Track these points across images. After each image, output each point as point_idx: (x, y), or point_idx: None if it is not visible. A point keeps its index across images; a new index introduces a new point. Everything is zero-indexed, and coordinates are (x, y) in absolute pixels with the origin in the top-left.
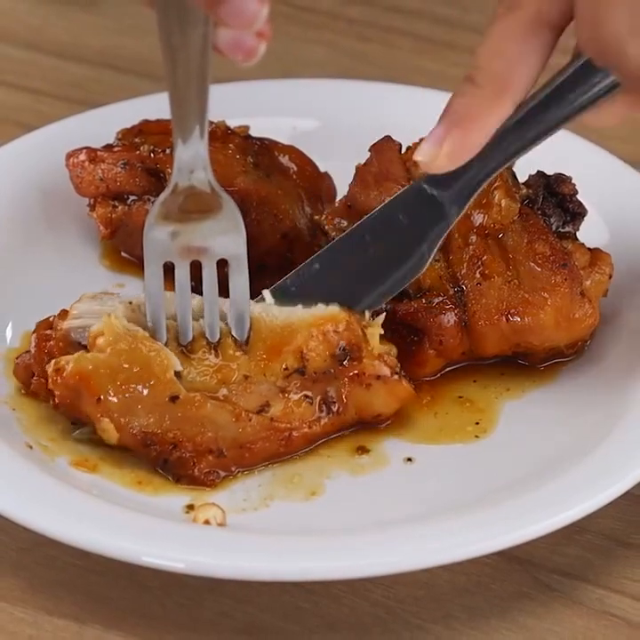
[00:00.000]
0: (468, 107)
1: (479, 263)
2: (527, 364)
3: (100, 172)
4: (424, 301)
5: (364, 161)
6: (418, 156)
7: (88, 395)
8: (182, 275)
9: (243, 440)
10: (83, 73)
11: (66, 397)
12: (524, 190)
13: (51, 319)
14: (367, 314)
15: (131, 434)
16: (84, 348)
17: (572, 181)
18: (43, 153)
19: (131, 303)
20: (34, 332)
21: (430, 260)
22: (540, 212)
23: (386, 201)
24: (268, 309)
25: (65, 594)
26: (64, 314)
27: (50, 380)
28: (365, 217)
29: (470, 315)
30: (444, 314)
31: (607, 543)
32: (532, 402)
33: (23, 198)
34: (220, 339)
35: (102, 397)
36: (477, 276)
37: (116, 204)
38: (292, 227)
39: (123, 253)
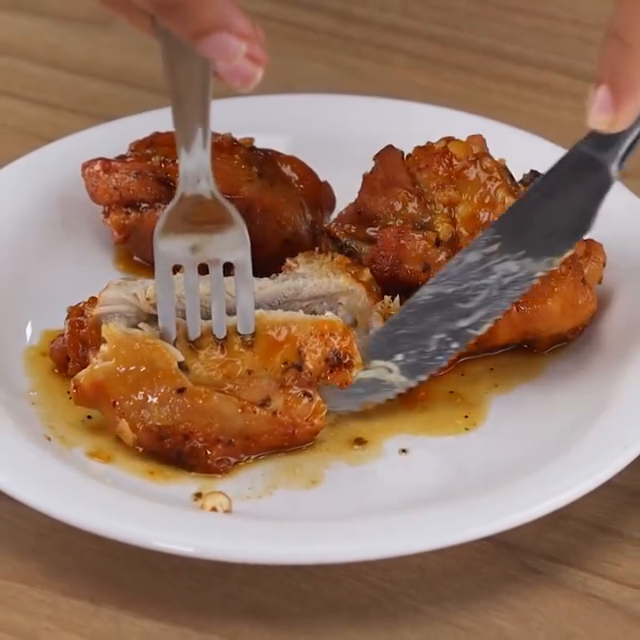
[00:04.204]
0: (632, 73)
1: None
2: (534, 349)
3: (114, 181)
4: None
5: (363, 170)
6: (597, 125)
7: (104, 401)
8: (191, 277)
9: (249, 432)
10: (98, 88)
11: (89, 406)
12: (522, 188)
13: (81, 306)
14: (387, 298)
15: (145, 429)
16: None
17: None
18: (60, 163)
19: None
20: (67, 317)
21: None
22: None
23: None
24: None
25: (81, 576)
26: (93, 301)
27: (72, 396)
28: (535, 181)
29: None
30: None
31: (590, 529)
32: (519, 396)
33: (42, 205)
34: (226, 335)
35: (117, 401)
36: None
37: (129, 211)
38: (294, 233)
39: (135, 257)
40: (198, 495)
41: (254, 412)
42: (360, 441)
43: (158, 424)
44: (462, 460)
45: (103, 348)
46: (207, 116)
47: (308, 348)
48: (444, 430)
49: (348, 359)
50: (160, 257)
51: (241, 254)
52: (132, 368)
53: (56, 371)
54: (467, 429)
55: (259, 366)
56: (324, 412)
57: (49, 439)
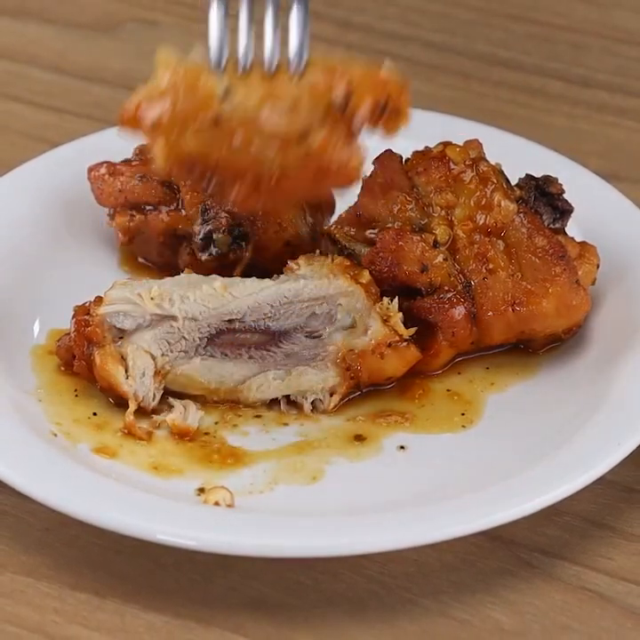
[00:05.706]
0: None
1: (484, 259)
2: (529, 349)
3: (119, 184)
4: (436, 297)
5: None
6: None
7: (144, 123)
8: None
9: (277, 169)
10: (103, 93)
11: (133, 130)
12: (518, 192)
13: (87, 305)
14: (385, 299)
15: (178, 154)
16: (120, 331)
17: (559, 181)
18: (67, 167)
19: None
20: (73, 317)
21: None
22: (533, 211)
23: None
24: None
25: (86, 570)
26: (99, 300)
27: (119, 121)
28: None
29: (479, 307)
30: (455, 308)
31: (583, 524)
32: (514, 395)
33: (48, 208)
34: (277, 68)
35: (157, 120)
36: (483, 271)
37: (134, 213)
38: (295, 235)
39: (140, 259)
40: (201, 490)
41: (286, 148)
42: (360, 437)
43: (191, 149)
44: (459, 457)
45: (158, 72)
46: None
47: (359, 89)
48: (442, 427)
49: (396, 112)
50: None
51: None
52: (175, 91)
53: (62, 368)
54: (463, 427)
55: (305, 98)
56: (362, 158)
57: (55, 435)
